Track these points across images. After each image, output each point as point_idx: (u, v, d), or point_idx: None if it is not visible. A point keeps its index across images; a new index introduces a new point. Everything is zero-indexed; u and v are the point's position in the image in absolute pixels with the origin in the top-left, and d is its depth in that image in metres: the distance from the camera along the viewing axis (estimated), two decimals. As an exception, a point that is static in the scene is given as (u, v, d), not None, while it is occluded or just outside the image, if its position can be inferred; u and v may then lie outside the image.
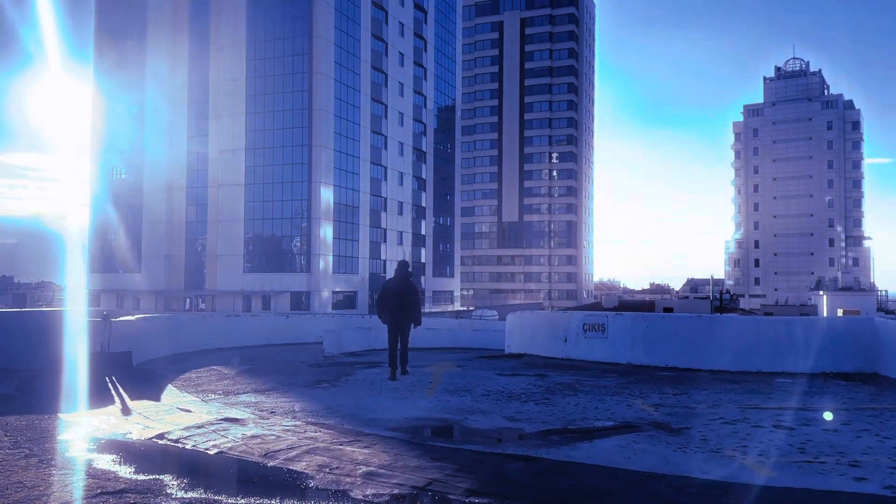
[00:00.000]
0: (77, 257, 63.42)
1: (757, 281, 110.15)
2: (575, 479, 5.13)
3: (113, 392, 9.03)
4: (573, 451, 5.92)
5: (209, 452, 5.86)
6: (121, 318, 13.34)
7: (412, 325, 11.14)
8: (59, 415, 7.59)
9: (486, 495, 4.70)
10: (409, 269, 11.31)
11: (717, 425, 7.03)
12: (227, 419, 7.33)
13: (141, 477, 5.09)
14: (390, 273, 67.16)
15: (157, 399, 8.80)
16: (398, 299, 10.95)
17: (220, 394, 9.40)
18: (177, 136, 62.64)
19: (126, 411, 7.85)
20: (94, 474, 5.15)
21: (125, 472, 5.25)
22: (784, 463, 5.48)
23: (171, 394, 9.35)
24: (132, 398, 8.58)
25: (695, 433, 6.64)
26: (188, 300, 62.43)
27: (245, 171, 59.33)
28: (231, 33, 60.20)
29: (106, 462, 5.53)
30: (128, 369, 11.11)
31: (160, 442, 6.24)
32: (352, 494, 4.67)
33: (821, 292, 65.52)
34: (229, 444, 6.10)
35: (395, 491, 4.73)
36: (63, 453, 5.88)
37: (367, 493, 4.70)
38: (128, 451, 5.94)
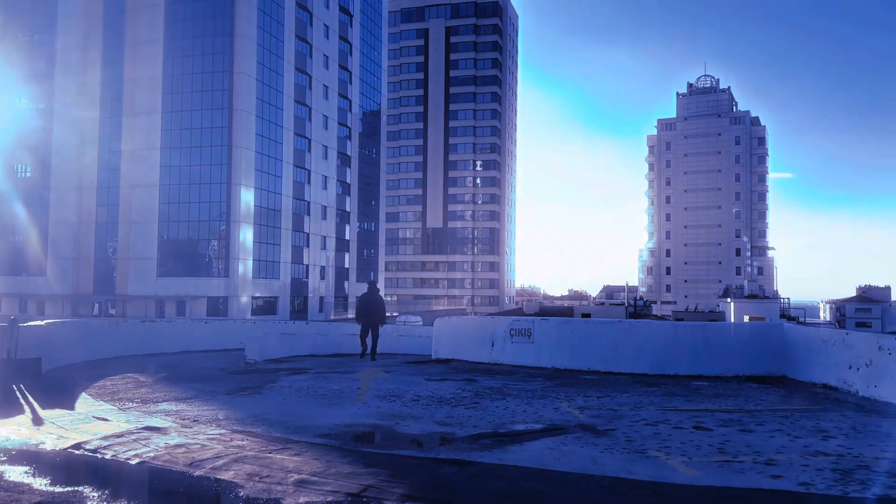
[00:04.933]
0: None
1: (668, 288, 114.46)
2: (508, 481, 5.20)
3: (22, 401, 8.54)
4: (505, 454, 5.99)
5: (131, 462, 5.63)
6: (29, 324, 12.63)
7: (380, 324, 15.68)
8: (-37, 426, 7.12)
9: (421, 500, 4.70)
10: (378, 287, 16.01)
11: (641, 427, 7.25)
12: (147, 428, 7.06)
13: (58, 489, 4.84)
14: (313, 278, 66.81)
15: (71, 408, 8.37)
16: (369, 305, 15.46)
17: (138, 402, 9.03)
18: (88, 133, 59.92)
19: (37, 421, 7.43)
20: (5, 487, 4.86)
21: (40, 484, 4.97)
22: (705, 462, 5.70)
23: (85, 402, 8.91)
24: (43, 407, 8.14)
25: (620, 434, 6.83)
26: (97, 305, 59.67)
27: (160, 171, 57.27)
28: (148, 28, 58.12)
29: (18, 474, 5.22)
30: (37, 377, 10.53)
31: (77, 452, 5.94)
32: (284, 503, 4.58)
33: (728, 300, 68.59)
34: (152, 454, 5.87)
35: (330, 498, 4.66)
36: (-31, 466, 5.52)
37: (300, 501, 4.61)
38: (42, 462, 5.64)
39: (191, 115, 56.90)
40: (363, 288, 78.75)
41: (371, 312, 15.51)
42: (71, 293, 59.58)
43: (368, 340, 15.71)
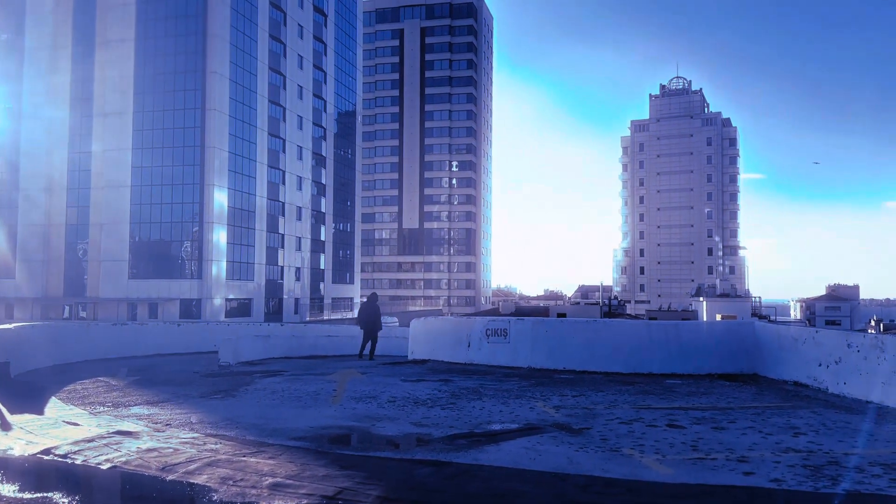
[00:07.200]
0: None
1: (642, 287, 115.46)
2: (484, 481, 5.20)
3: (-12, 406, 8.35)
4: (480, 455, 5.99)
5: (102, 467, 5.54)
6: (-4, 327, 12.39)
7: (377, 330, 17.22)
8: (-73, 432, 6.95)
9: (397, 501, 4.68)
10: (377, 298, 17.73)
11: (615, 425, 7.31)
12: (119, 432, 6.95)
13: (27, 495, 4.74)
14: (288, 279, 66.39)
15: (41, 412, 8.22)
16: (370, 312, 17.00)
17: (109, 406, 8.90)
18: (58, 133, 58.94)
19: (6, 426, 7.28)
20: (-28, 495, 4.76)
21: (8, 490, 4.87)
22: (679, 460, 5.76)
23: (55, 406, 8.75)
24: (12, 412, 7.97)
25: (594, 433, 6.88)
26: (68, 308, 58.69)
27: (132, 172, 56.55)
28: (119, 28, 57.33)
29: (-15, 481, 5.11)
30: (5, 381, 10.33)
31: (46, 458, 5.83)
32: (259, 506, 4.54)
33: (701, 298, 69.31)
34: (124, 459, 5.78)
35: (305, 501, 4.63)
36: (-66, 474, 5.39)
37: (275, 504, 4.58)
38: (10, 467, 5.52)
39: (163, 115, 56.23)
40: (340, 289, 78.90)
41: (370, 321, 17.19)
42: (40, 296, 58.56)
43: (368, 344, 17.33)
